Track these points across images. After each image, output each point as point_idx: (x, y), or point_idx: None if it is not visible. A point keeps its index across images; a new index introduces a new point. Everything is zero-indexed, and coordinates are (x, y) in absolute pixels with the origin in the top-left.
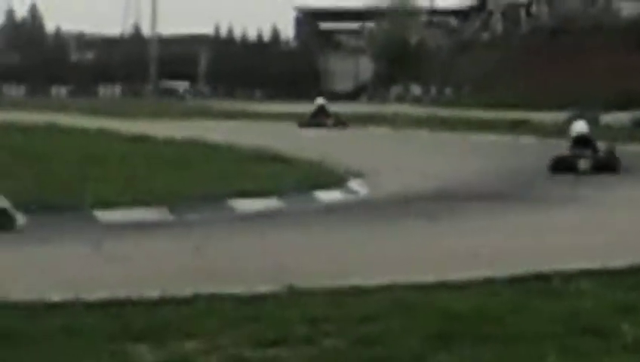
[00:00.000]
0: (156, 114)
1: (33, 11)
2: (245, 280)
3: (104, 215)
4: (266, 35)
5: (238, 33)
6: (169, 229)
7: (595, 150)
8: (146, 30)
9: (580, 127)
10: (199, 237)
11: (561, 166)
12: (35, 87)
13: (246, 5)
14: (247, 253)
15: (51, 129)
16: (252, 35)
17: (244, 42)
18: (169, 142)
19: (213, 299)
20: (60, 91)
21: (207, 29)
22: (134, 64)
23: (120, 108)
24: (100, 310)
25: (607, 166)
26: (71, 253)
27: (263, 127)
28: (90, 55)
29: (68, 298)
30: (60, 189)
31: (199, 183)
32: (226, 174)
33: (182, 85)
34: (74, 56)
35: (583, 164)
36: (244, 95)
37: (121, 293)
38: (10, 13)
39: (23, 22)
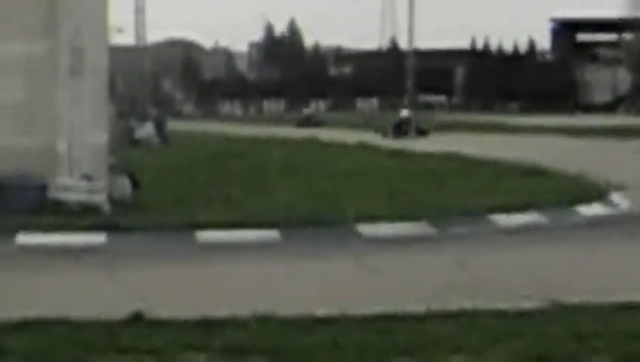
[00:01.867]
0: None
1: (292, 26)
2: (510, 295)
3: (367, 229)
4: (522, 47)
5: (494, 46)
6: (431, 243)
7: None
8: (402, 44)
9: None
10: (462, 251)
11: None
12: (294, 102)
13: (502, 18)
14: (511, 268)
15: (312, 143)
16: (508, 47)
17: (500, 55)
18: (427, 156)
19: (477, 314)
20: (318, 105)
21: (464, 43)
22: (391, 78)
23: (377, 122)
24: (366, 325)
25: None
26: (335, 268)
27: (520, 140)
28: (347, 69)
29: (334, 313)
30: (321, 203)
31: (458, 197)
32: (484, 188)
33: (437, 99)
34: (332, 71)
35: None
36: (499, 108)
37: (387, 309)
38: (269, 29)
39: (282, 37)
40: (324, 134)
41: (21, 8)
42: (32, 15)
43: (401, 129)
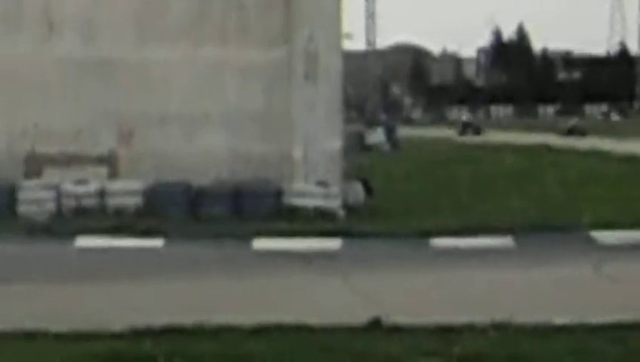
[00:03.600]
0: None
1: (520, 31)
2: None
3: (601, 235)
4: None
5: None
6: None
7: None
8: (633, 49)
9: None
10: None
11: None
12: (522, 107)
13: None
14: None
15: (542, 149)
16: None
17: None
18: None
19: None
20: (546, 111)
21: None
22: (620, 83)
23: (608, 128)
24: (605, 333)
25: None
26: (572, 275)
27: None
28: (576, 74)
29: (573, 321)
30: (555, 210)
31: None
32: None
33: None
34: (560, 76)
35: None
36: None
37: (625, 317)
38: (497, 34)
39: (510, 42)
40: (553, 140)
41: (258, 16)
42: (269, 23)
43: None
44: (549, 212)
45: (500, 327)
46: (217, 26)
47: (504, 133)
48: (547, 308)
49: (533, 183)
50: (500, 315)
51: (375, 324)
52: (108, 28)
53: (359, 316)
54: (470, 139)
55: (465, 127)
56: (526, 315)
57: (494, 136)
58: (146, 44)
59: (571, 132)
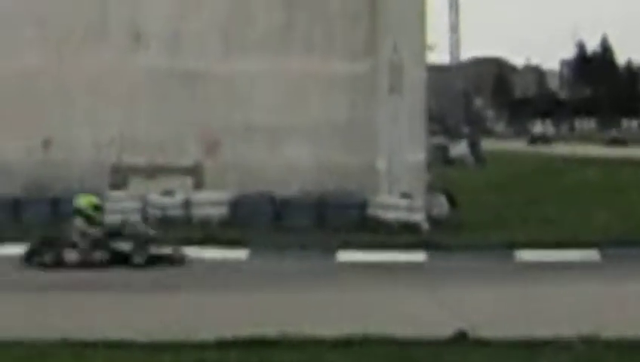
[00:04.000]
0: None
1: (604, 43)
2: None
3: None
4: None
5: None
6: None
7: None
8: None
9: None
10: None
11: None
12: (606, 120)
13: None
14: None
15: (625, 162)
16: None
17: None
18: None
19: None
20: (630, 124)
21: None
22: None
23: None
24: None
25: None
26: None
27: None
28: None
29: None
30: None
31: None
32: None
33: None
34: None
35: None
36: None
37: None
38: (580, 46)
39: (594, 54)
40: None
41: (343, 28)
42: (353, 34)
43: None
44: (634, 225)
45: (587, 341)
46: (302, 37)
47: (586, 145)
48: (634, 322)
49: (618, 196)
50: (586, 329)
51: (461, 337)
52: (194, 39)
53: (445, 329)
54: (551, 150)
55: (535, 139)
56: (613, 330)
57: (575, 149)
58: (231, 55)
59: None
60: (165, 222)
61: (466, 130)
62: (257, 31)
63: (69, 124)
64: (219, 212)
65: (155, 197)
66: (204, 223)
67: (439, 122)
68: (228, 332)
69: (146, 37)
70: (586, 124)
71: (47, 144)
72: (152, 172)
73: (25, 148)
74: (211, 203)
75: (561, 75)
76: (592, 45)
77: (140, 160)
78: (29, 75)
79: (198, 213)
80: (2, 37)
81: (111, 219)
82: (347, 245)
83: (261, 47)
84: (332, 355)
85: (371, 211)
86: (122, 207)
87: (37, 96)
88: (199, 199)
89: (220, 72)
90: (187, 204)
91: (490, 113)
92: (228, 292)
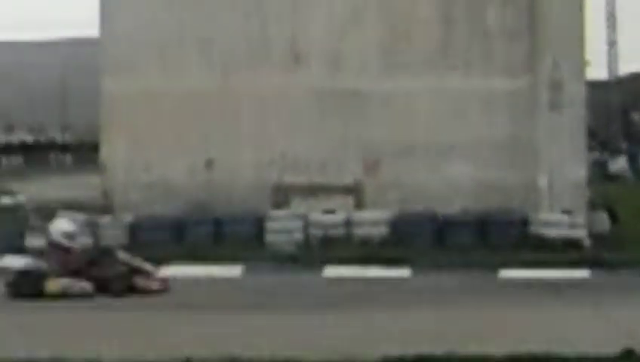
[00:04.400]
0: None
1: None
2: None
3: None
4: None
5: None
6: None
7: None
8: None
9: None
10: None
11: None
12: None
13: None
14: None
15: None
16: None
17: None
18: None
19: None
20: None
21: None
22: None
23: None
24: None
25: None
26: None
27: None
28: None
29: None
30: None
31: None
32: None
33: None
34: None
35: None
36: None
37: None
38: None
39: None
40: None
41: (502, 44)
42: (512, 50)
43: None
44: None
45: None
46: (461, 55)
47: None
48: None
49: None
50: None
51: (628, 355)
52: (353, 58)
53: (611, 347)
54: None
55: None
56: None
57: None
58: (390, 74)
59: None
60: (326, 242)
61: (624, 145)
62: (416, 49)
63: (232, 145)
64: (379, 231)
65: (316, 216)
66: (365, 242)
67: (597, 138)
68: (394, 351)
69: (306, 56)
70: None
71: (209, 164)
72: (313, 191)
73: (188, 169)
74: (372, 222)
75: None
76: None
77: (301, 179)
78: (193, 96)
79: (359, 232)
80: (169, 59)
81: (273, 238)
82: (509, 263)
83: (420, 65)
84: None
85: (533, 228)
86: (284, 226)
87: (201, 117)
88: (360, 218)
89: (379, 91)
90: (348, 223)
91: None
92: (391, 310)
